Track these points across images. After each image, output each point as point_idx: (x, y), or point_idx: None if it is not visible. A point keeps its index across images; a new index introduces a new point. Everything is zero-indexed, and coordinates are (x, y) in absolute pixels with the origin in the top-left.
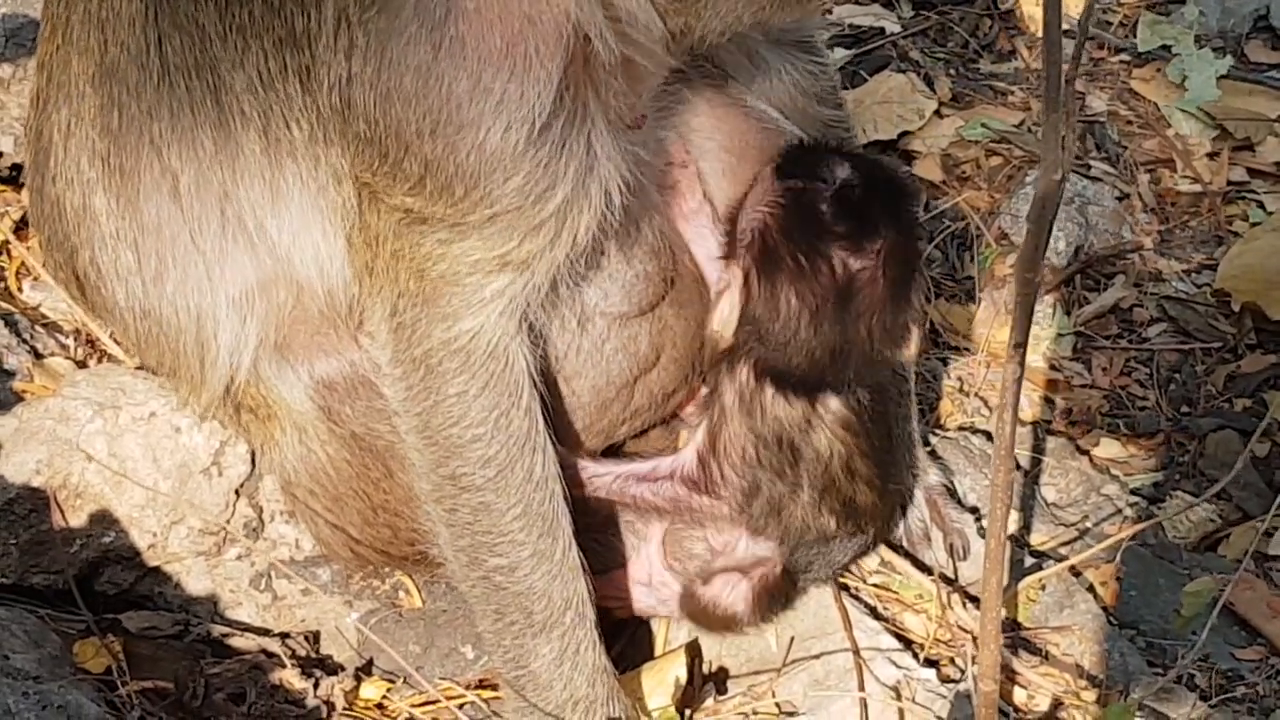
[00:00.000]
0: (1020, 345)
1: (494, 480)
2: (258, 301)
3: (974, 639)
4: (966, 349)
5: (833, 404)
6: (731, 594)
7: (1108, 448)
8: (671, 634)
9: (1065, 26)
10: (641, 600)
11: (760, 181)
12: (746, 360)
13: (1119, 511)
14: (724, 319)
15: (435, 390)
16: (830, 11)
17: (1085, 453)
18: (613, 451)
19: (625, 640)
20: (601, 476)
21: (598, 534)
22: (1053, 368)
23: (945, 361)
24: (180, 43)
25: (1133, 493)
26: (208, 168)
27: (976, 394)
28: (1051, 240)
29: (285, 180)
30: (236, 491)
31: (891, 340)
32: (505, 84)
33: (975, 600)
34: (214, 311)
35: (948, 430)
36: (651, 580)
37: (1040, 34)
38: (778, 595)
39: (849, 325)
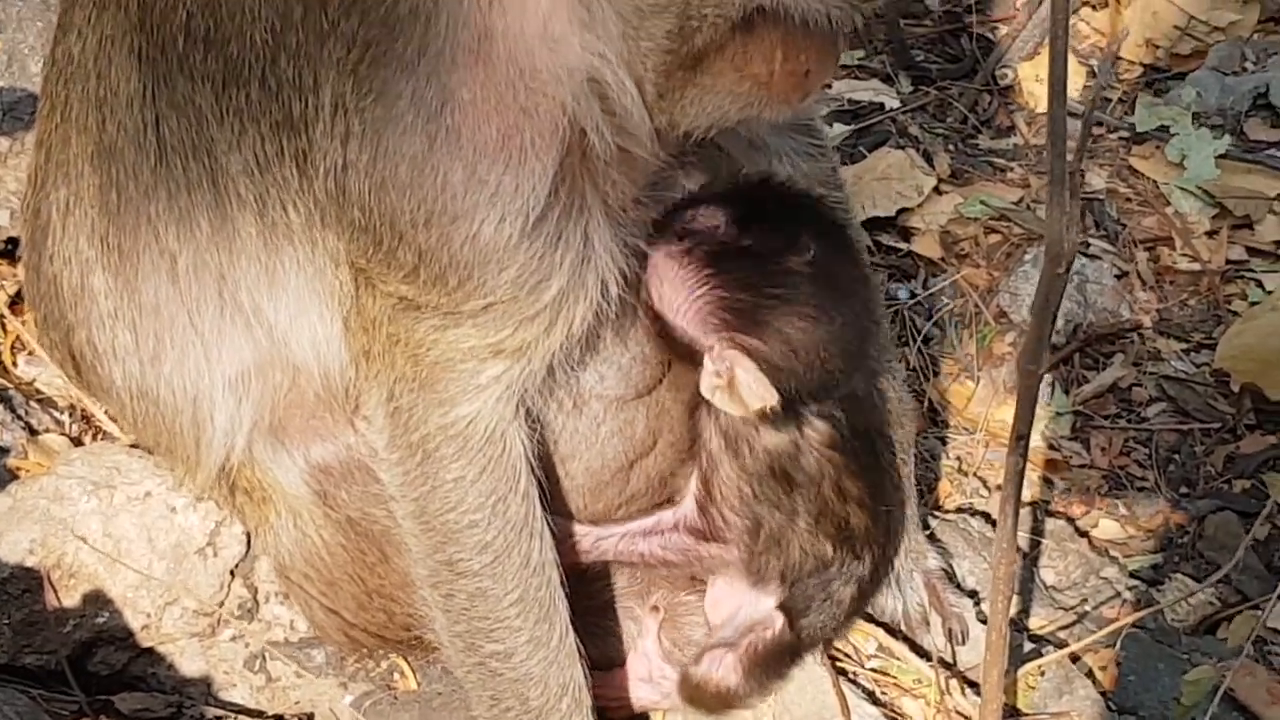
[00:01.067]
0: (1023, 437)
1: (491, 566)
2: (254, 383)
3: None
4: (965, 428)
5: (818, 425)
6: (720, 669)
7: (1106, 529)
8: (668, 719)
9: (1067, 110)
10: (643, 696)
11: (665, 272)
12: None
13: (1118, 595)
14: (756, 392)
15: (432, 475)
16: (830, 87)
17: (1084, 534)
18: None
19: None
20: (607, 538)
21: (596, 622)
22: (1051, 447)
23: (944, 440)
24: (177, 123)
25: (1132, 575)
26: (205, 249)
27: (975, 474)
28: None
29: (282, 263)
30: (231, 572)
31: (876, 301)
32: (500, 175)
33: (974, 685)
34: (210, 393)
35: (946, 512)
36: (651, 675)
37: (1040, 109)
38: (775, 657)
39: (847, 309)
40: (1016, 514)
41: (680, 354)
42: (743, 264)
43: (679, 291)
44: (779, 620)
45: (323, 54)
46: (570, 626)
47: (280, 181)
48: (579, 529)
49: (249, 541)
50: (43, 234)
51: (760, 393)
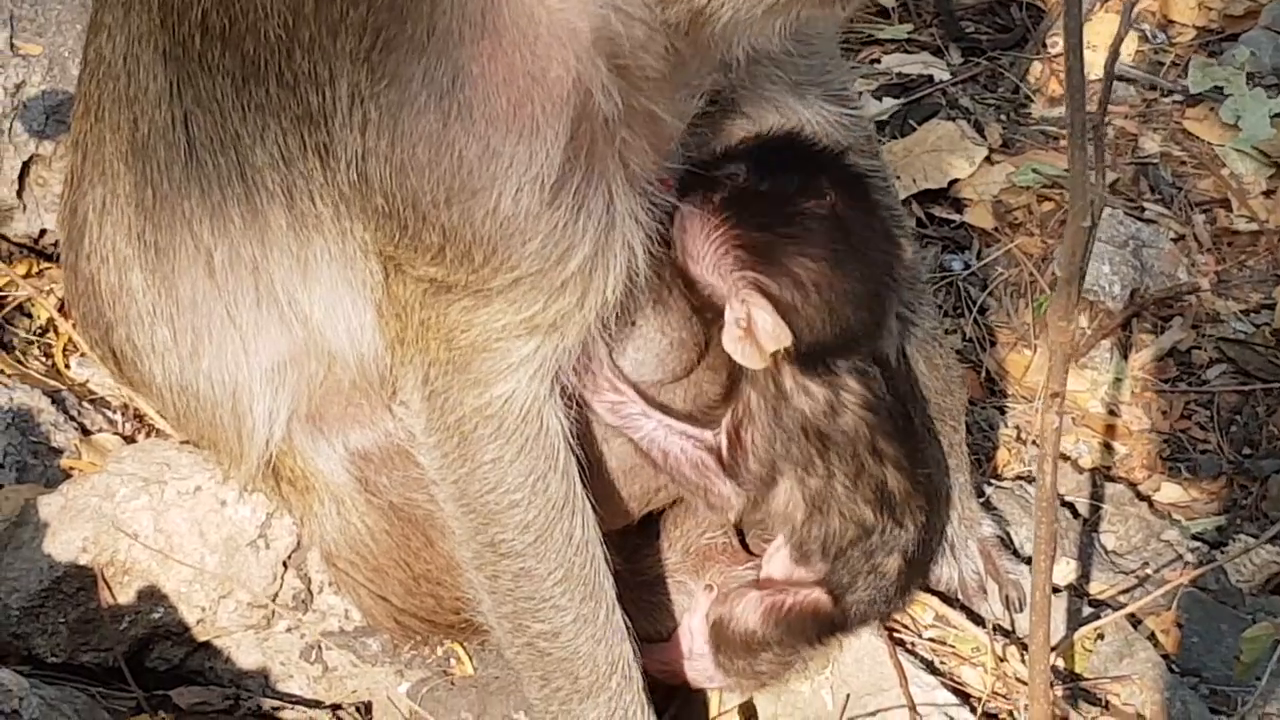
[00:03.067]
0: (1058, 394)
1: (533, 545)
2: (290, 373)
3: None
4: (1024, 397)
5: (852, 384)
6: (743, 607)
7: (1169, 492)
8: (725, 695)
9: (1118, 71)
10: (683, 673)
11: (689, 224)
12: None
13: (1179, 557)
14: (772, 333)
15: (470, 457)
16: (878, 61)
17: (1146, 498)
18: (650, 517)
19: (679, 704)
20: (647, 418)
21: (648, 597)
22: (1111, 413)
23: (1002, 410)
24: (204, 120)
25: (1194, 537)
26: (239, 243)
27: (1034, 442)
28: (1107, 284)
29: (314, 254)
30: (284, 563)
31: (901, 252)
32: (514, 146)
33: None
34: (249, 385)
35: (1004, 480)
36: (692, 652)
37: (1093, 76)
38: (810, 622)
39: (864, 259)
40: (1055, 472)
41: (707, 311)
42: (759, 206)
43: (699, 240)
44: (820, 594)
45: (336, 46)
46: (616, 603)
47: (305, 174)
48: (629, 392)
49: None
50: (80, 233)
51: (776, 333)
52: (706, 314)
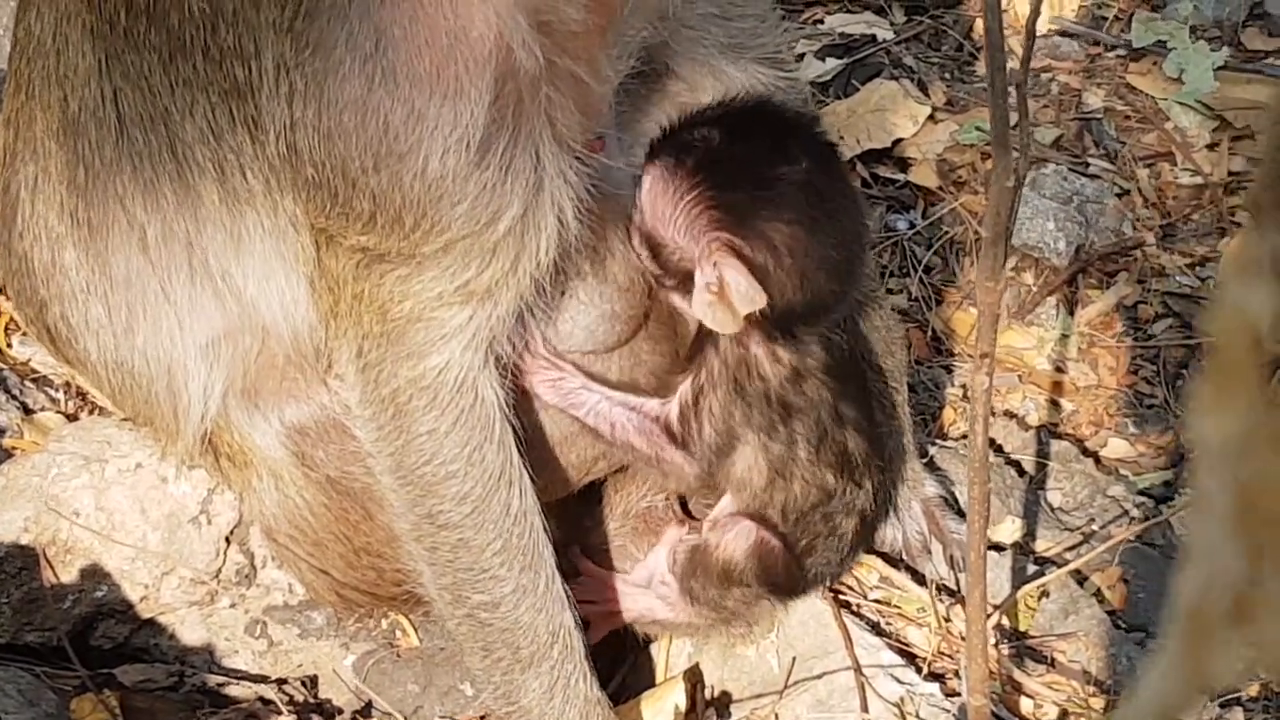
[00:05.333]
0: (986, 355)
1: (471, 516)
2: (224, 349)
3: None
4: (970, 356)
5: (815, 350)
6: (735, 534)
7: (1116, 448)
8: (672, 660)
9: (1060, 27)
10: (637, 606)
11: (659, 185)
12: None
13: (1125, 513)
14: (746, 295)
15: (406, 429)
16: (821, 21)
17: (1092, 454)
18: (590, 486)
19: (627, 669)
20: (589, 391)
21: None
22: (1058, 369)
23: (949, 369)
24: (134, 96)
25: (1140, 493)
26: (172, 219)
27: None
28: (1052, 241)
29: (246, 228)
30: (227, 539)
31: (865, 228)
32: (439, 107)
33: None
34: (184, 361)
35: (949, 439)
36: (652, 580)
37: (1041, 32)
38: (781, 570)
39: (837, 226)
40: (986, 433)
41: (671, 277)
42: (732, 169)
43: (669, 201)
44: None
45: (259, 18)
46: (556, 573)
47: (235, 148)
48: (567, 368)
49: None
50: (13, 211)
51: (750, 294)
52: (668, 281)
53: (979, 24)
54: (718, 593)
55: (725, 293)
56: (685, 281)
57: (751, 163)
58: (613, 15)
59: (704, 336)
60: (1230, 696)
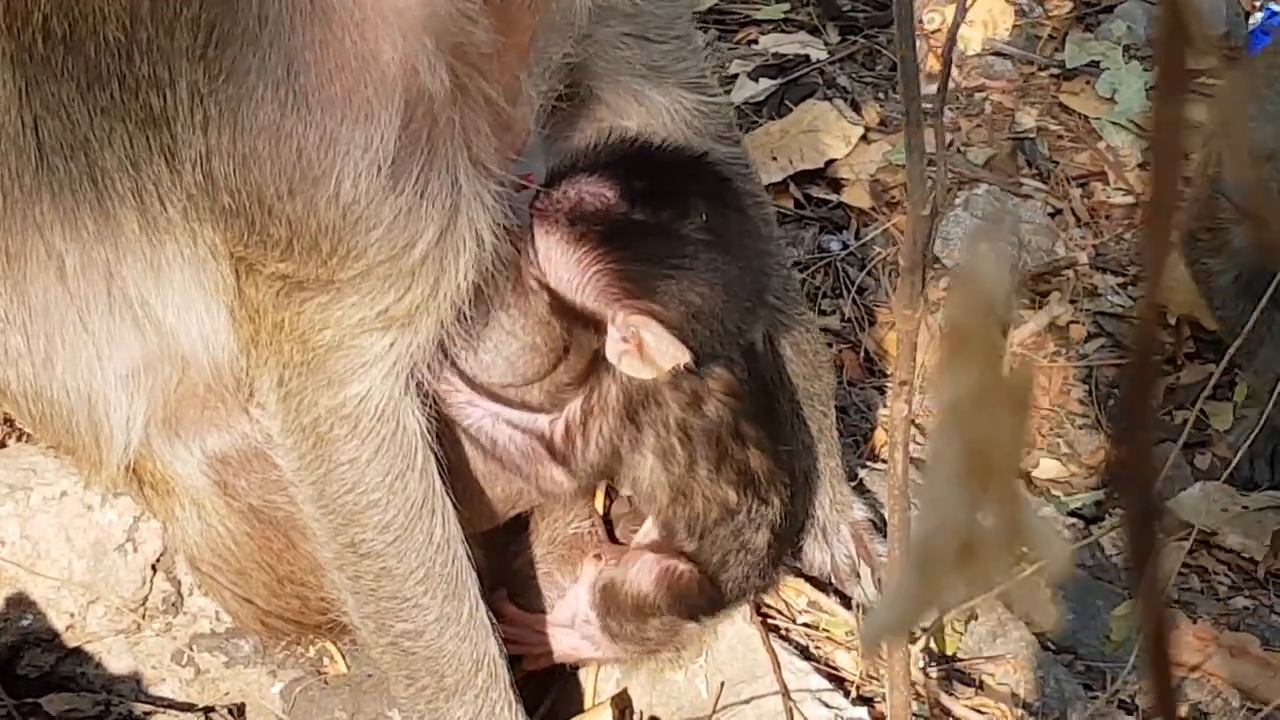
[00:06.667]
0: (905, 383)
1: (393, 545)
2: (144, 379)
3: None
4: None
5: (717, 372)
6: (638, 569)
7: (1047, 468)
8: (600, 685)
9: (994, 47)
10: (565, 644)
11: (556, 253)
12: None
13: (1056, 534)
14: (667, 352)
15: (327, 458)
16: (755, 41)
17: (1023, 475)
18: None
19: (555, 695)
20: (476, 407)
21: (514, 588)
22: None
23: (881, 390)
24: (53, 125)
25: (1071, 514)
26: (91, 248)
27: (913, 422)
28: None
29: (166, 258)
30: (153, 567)
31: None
32: (350, 131)
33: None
34: (104, 391)
35: (881, 462)
36: (575, 619)
37: (970, 52)
38: (695, 594)
39: (743, 265)
40: (906, 460)
41: (581, 324)
42: (636, 237)
43: (574, 271)
44: (693, 570)
45: (173, 46)
46: (480, 601)
47: (154, 176)
48: (457, 383)
49: None
50: None
51: (671, 352)
52: (578, 324)
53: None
54: (635, 627)
55: (644, 350)
56: (596, 325)
57: (654, 228)
58: (525, 35)
59: (600, 359)
60: None
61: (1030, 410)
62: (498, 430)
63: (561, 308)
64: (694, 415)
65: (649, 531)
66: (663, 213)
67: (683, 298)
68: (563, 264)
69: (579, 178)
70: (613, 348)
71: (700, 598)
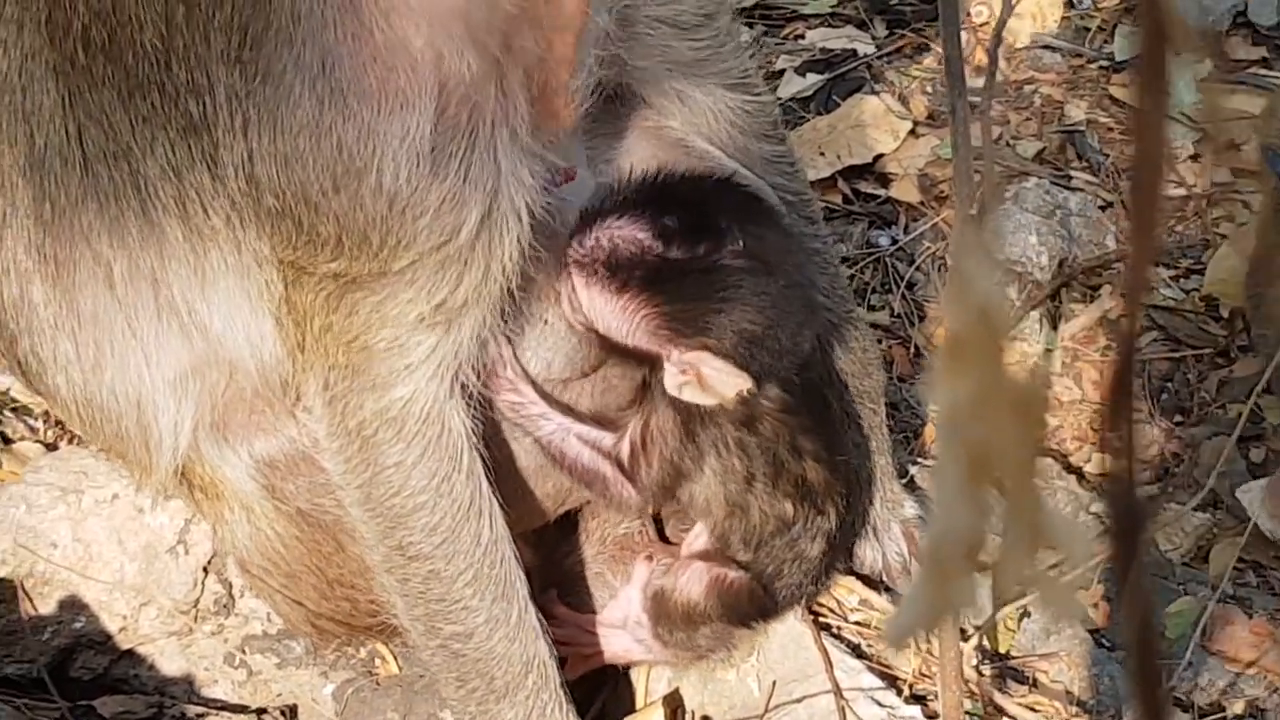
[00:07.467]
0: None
1: (441, 547)
2: (192, 384)
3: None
4: None
5: (770, 390)
6: (687, 577)
7: (1100, 464)
8: (651, 685)
9: (1046, 43)
10: (616, 645)
11: (601, 302)
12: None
13: (1108, 530)
14: (729, 381)
15: (373, 461)
16: (802, 37)
17: (1076, 470)
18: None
19: (606, 695)
20: (548, 419)
21: (565, 589)
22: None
23: None
24: (96, 133)
25: None
26: (137, 255)
27: None
28: (1034, 255)
29: (210, 264)
30: (204, 569)
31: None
32: (388, 122)
33: (959, 631)
34: (153, 396)
35: (930, 458)
36: (627, 621)
37: (1019, 45)
38: (746, 602)
39: (788, 281)
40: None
41: (635, 361)
42: (676, 276)
43: (621, 319)
44: (744, 577)
45: (210, 51)
46: (529, 602)
47: (196, 184)
48: (529, 393)
49: None
50: None
51: (733, 381)
52: (629, 361)
53: (960, 37)
54: (685, 635)
55: (704, 382)
56: (654, 359)
57: (692, 264)
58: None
59: (654, 389)
60: (1216, 717)
61: (1046, 414)
62: (568, 444)
63: (612, 347)
64: (751, 434)
65: (700, 534)
66: (698, 246)
67: (734, 327)
68: (608, 313)
69: (609, 222)
70: (672, 381)
71: (751, 605)
